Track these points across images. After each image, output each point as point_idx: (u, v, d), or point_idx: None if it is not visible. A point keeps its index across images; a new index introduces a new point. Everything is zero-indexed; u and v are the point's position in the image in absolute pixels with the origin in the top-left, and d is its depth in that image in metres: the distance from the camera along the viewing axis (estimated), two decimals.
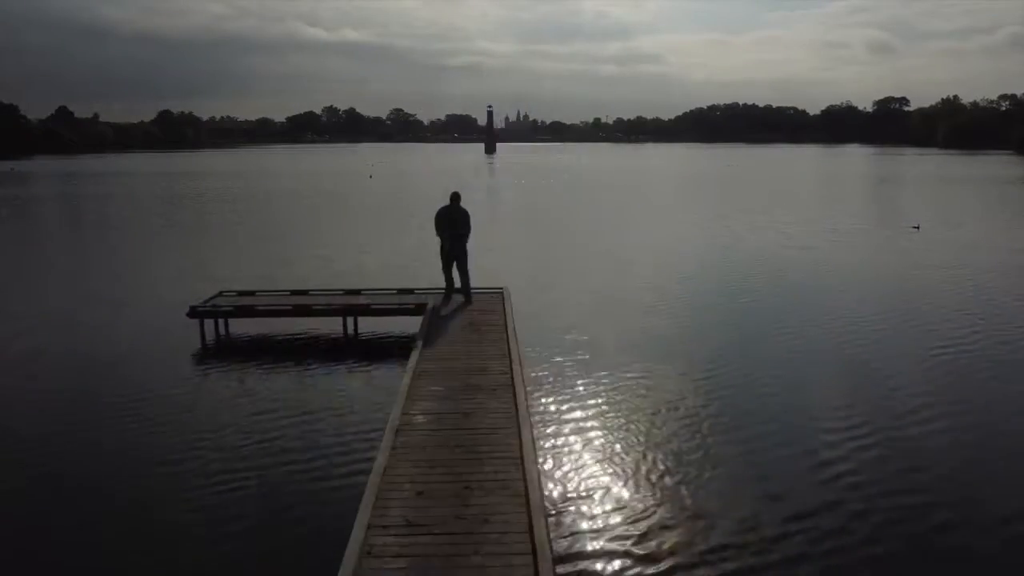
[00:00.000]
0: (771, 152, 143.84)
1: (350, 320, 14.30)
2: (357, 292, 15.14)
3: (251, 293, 15.18)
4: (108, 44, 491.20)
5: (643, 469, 8.67)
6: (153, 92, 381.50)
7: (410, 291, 15.16)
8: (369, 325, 14.52)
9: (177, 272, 21.28)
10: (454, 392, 9.28)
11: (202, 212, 40.33)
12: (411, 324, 13.93)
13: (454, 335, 12.14)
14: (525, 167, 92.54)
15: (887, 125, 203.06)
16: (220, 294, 15.06)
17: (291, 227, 32.49)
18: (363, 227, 32.55)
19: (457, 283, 14.52)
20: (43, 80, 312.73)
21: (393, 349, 13.45)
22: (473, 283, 14.62)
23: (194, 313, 13.95)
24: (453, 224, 14.00)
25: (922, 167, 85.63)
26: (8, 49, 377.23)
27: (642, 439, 9.52)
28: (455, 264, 14.28)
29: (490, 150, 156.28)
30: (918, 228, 29.17)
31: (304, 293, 15.16)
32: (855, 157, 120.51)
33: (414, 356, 10.74)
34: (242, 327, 14.51)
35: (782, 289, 18.91)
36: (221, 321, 14.39)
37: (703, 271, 21.52)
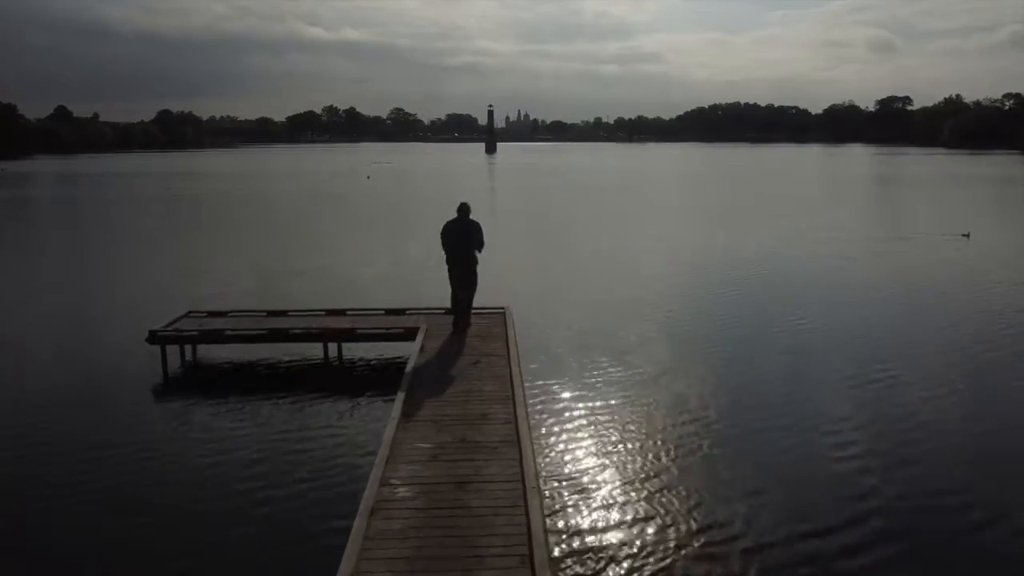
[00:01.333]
0: (776, 152, 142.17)
1: (333, 346, 12.66)
2: (342, 312, 13.49)
3: (222, 314, 13.51)
4: (109, 43, 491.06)
5: (684, 557, 6.95)
6: (153, 92, 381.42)
7: (401, 311, 13.52)
8: (354, 351, 12.87)
9: (152, 285, 19.54)
10: (446, 450, 7.64)
11: (191, 216, 38.78)
12: (402, 349, 12.37)
13: (449, 369, 10.49)
14: (527, 168, 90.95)
15: (890, 124, 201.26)
16: (188, 314, 13.40)
17: (280, 233, 30.59)
18: (356, 234, 30.49)
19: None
20: (43, 80, 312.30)
21: (380, 381, 11.76)
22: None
23: (155, 338, 12.28)
24: (466, 240, 12.15)
25: (936, 167, 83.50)
26: (9, 49, 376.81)
27: (681, 511, 7.69)
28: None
29: (490, 150, 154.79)
30: (968, 236, 26.43)
31: (282, 314, 13.49)
32: (864, 157, 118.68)
33: (400, 398, 9.09)
34: (210, 353, 12.86)
35: (829, 311, 16.27)
36: (188, 347, 12.74)
37: (734, 288, 18.86)
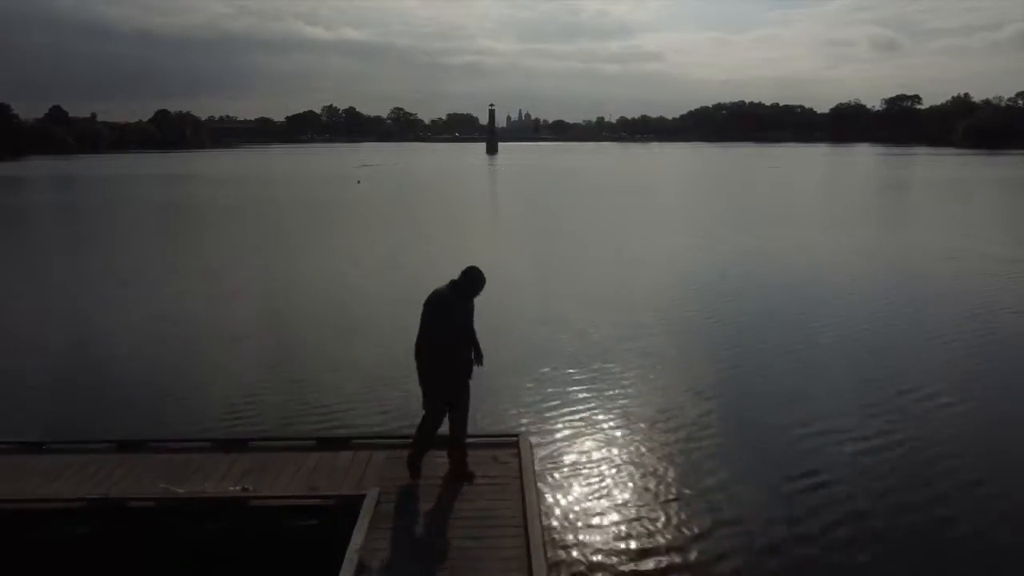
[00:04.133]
0: (788, 152, 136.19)
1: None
2: (241, 444, 7.95)
3: (35, 447, 7.93)
4: (107, 42, 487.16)
5: None
6: (152, 91, 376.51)
7: (345, 441, 7.98)
8: (252, 528, 7.29)
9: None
10: None
11: (124, 241, 32.29)
12: (337, 531, 6.88)
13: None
14: (533, 171, 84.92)
15: (899, 124, 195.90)
16: None
17: (213, 272, 21.75)
18: (317, 275, 20.96)
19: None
20: (41, 79, 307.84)
21: None
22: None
23: None
24: (468, 330, 6.92)
25: (983, 170, 76.77)
26: (6, 48, 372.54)
27: None
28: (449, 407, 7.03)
29: (492, 150, 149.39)
30: None
31: (140, 447, 7.91)
32: (885, 157, 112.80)
33: None
34: None
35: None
36: None
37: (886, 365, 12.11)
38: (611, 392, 10.95)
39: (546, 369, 11.90)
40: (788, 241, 26.19)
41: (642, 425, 9.80)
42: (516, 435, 8.03)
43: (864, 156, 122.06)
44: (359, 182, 62.24)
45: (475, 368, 7.09)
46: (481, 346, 7.11)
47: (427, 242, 26.00)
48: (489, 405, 9.08)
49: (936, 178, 66.95)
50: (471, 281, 6.84)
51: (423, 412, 7.05)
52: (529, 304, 16.46)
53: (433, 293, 6.87)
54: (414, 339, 6.87)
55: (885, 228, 30.25)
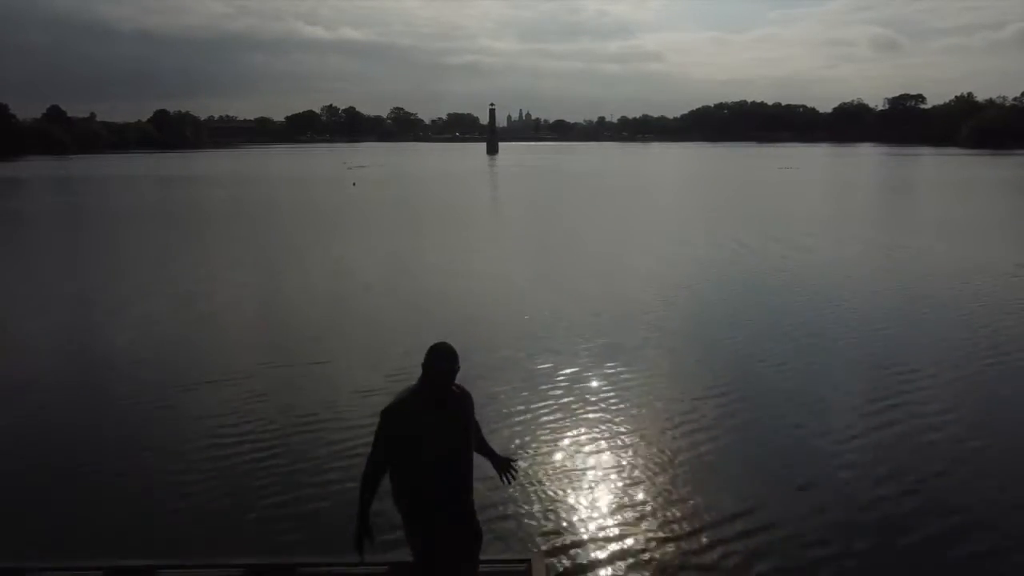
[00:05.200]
0: (794, 152, 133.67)
1: None
2: (144, 574, 5.76)
3: None
4: (107, 42, 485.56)
5: None
6: (152, 91, 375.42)
7: (288, 571, 5.79)
8: None
9: None
10: None
11: (112, 246, 30.30)
12: None
13: None
14: (535, 172, 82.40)
15: (902, 123, 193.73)
16: None
17: (200, 283, 19.62)
18: (305, 288, 18.77)
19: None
20: (42, 79, 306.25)
21: None
22: None
23: None
24: (466, 445, 4.67)
25: (994, 171, 74.03)
26: (5, 47, 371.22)
27: None
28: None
29: (492, 151, 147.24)
30: None
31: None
32: (892, 157, 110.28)
33: None
34: None
35: None
36: None
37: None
38: (651, 482, 8.40)
39: (565, 441, 9.38)
40: (832, 253, 23.91)
41: (695, 519, 7.57)
42: (527, 559, 5.83)
43: (872, 156, 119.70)
44: (354, 184, 60.15)
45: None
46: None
47: (422, 255, 23.86)
48: (488, 512, 6.74)
49: (955, 179, 64.71)
50: (432, 360, 4.45)
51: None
52: (535, 351, 13.01)
53: (394, 408, 4.50)
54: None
55: (936, 238, 27.11)
